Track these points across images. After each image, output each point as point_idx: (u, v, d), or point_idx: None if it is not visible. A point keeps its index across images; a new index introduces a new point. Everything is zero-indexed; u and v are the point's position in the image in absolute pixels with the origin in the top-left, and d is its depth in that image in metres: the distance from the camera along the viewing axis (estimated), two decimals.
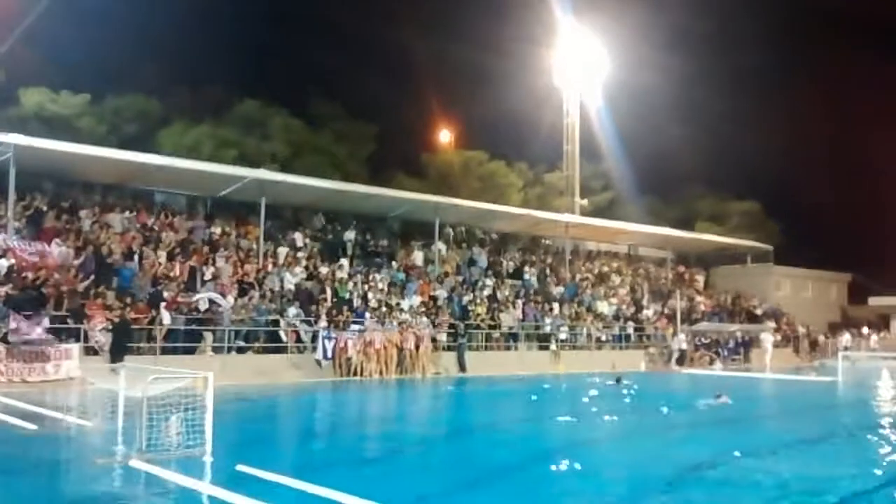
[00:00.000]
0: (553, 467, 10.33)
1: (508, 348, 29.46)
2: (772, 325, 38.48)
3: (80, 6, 37.97)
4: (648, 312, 35.92)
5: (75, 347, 18.98)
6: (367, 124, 49.17)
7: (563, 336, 30.66)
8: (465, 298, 29.33)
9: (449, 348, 26.66)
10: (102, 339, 19.56)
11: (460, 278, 31.23)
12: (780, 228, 53.86)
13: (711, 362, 33.68)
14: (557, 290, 33.87)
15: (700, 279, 43.61)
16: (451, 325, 27.17)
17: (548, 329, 30.47)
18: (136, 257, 23.25)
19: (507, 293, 31.50)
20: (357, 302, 26.26)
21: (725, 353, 35.38)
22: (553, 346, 29.77)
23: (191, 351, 21.34)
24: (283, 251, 27.57)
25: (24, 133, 23.66)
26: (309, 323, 24.18)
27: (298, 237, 29.22)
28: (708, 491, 9.14)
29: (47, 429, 12.25)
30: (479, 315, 28.73)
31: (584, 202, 45.97)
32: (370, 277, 28.06)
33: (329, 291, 26.09)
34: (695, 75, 52.50)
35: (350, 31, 58.61)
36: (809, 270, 47.12)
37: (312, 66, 55.39)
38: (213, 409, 9.83)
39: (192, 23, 46.32)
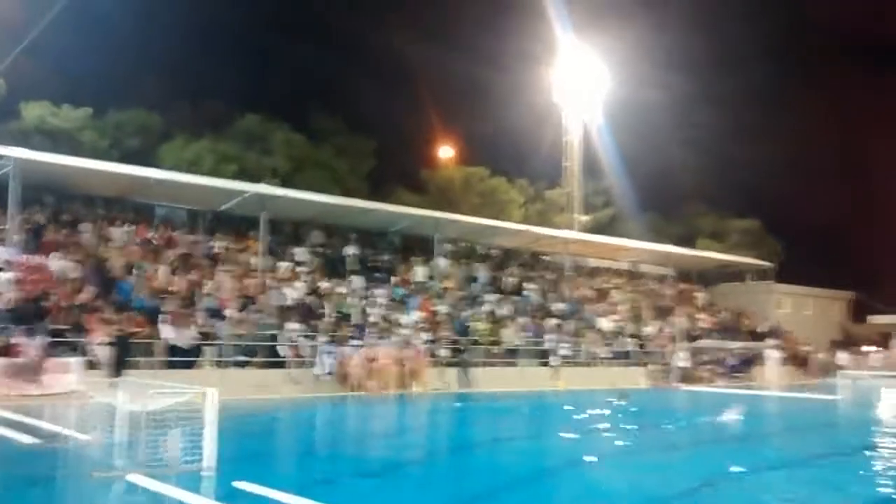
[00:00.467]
0: (561, 483, 10.24)
1: (509, 365, 29.37)
2: (774, 342, 38.34)
3: (83, 20, 38.13)
4: (649, 329, 35.84)
5: (75, 361, 18.87)
6: (368, 139, 49.22)
7: (563, 352, 30.56)
8: (466, 314, 29.22)
9: (449, 364, 26.56)
10: (102, 353, 19.47)
11: (461, 294, 31.17)
12: (781, 246, 53.83)
13: (712, 380, 33.55)
14: (558, 307, 33.81)
15: (701, 296, 43.57)
16: (454, 341, 27.03)
17: (548, 346, 30.39)
18: (135, 271, 23.19)
19: (507, 309, 31.40)
20: (357, 317, 26.15)
21: (727, 369, 35.24)
22: (553, 363, 29.67)
23: (190, 365, 21.25)
24: (283, 266, 27.53)
25: (26, 146, 23.76)
26: (310, 338, 24.11)
27: (299, 252, 29.19)
28: None
29: (46, 442, 12.15)
30: (479, 331, 28.61)
31: (585, 219, 45.98)
32: (370, 293, 27.98)
33: (329, 306, 26.01)
34: (695, 93, 52.91)
35: (352, 46, 59.08)
36: (810, 288, 47.02)
37: (313, 81, 55.76)
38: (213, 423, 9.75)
39: (194, 38, 46.76)
